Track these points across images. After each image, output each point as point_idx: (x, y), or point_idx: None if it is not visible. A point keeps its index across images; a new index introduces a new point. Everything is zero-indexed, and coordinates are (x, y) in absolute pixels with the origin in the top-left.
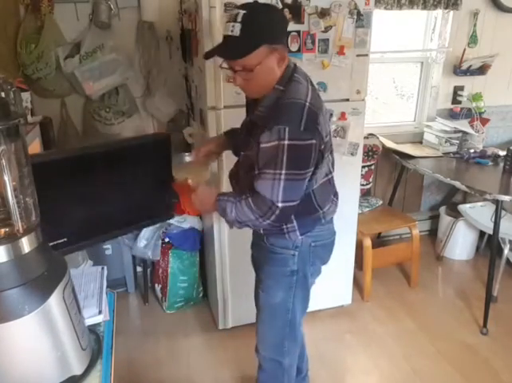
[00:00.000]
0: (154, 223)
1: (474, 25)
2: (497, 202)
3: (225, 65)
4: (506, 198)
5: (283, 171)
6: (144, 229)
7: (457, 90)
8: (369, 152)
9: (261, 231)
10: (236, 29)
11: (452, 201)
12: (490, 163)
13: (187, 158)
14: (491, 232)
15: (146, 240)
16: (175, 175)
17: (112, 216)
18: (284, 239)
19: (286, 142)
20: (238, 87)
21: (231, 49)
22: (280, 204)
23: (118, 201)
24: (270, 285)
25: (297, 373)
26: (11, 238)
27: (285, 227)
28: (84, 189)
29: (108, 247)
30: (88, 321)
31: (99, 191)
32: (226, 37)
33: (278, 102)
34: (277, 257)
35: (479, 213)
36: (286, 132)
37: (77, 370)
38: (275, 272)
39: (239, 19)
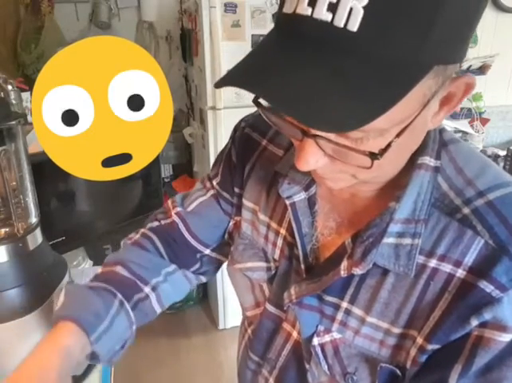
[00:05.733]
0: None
1: None
2: None
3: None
4: None
5: None
6: None
7: None
8: None
9: None
10: (355, 19)
11: None
12: None
13: None
14: None
15: None
16: None
17: (107, 213)
18: None
19: None
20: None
21: (341, 87)
22: None
23: (111, 198)
24: None
25: None
26: (11, 238)
27: None
28: (77, 187)
29: (108, 247)
30: None
31: (91, 188)
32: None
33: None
34: None
35: None
36: None
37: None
38: None
39: None
